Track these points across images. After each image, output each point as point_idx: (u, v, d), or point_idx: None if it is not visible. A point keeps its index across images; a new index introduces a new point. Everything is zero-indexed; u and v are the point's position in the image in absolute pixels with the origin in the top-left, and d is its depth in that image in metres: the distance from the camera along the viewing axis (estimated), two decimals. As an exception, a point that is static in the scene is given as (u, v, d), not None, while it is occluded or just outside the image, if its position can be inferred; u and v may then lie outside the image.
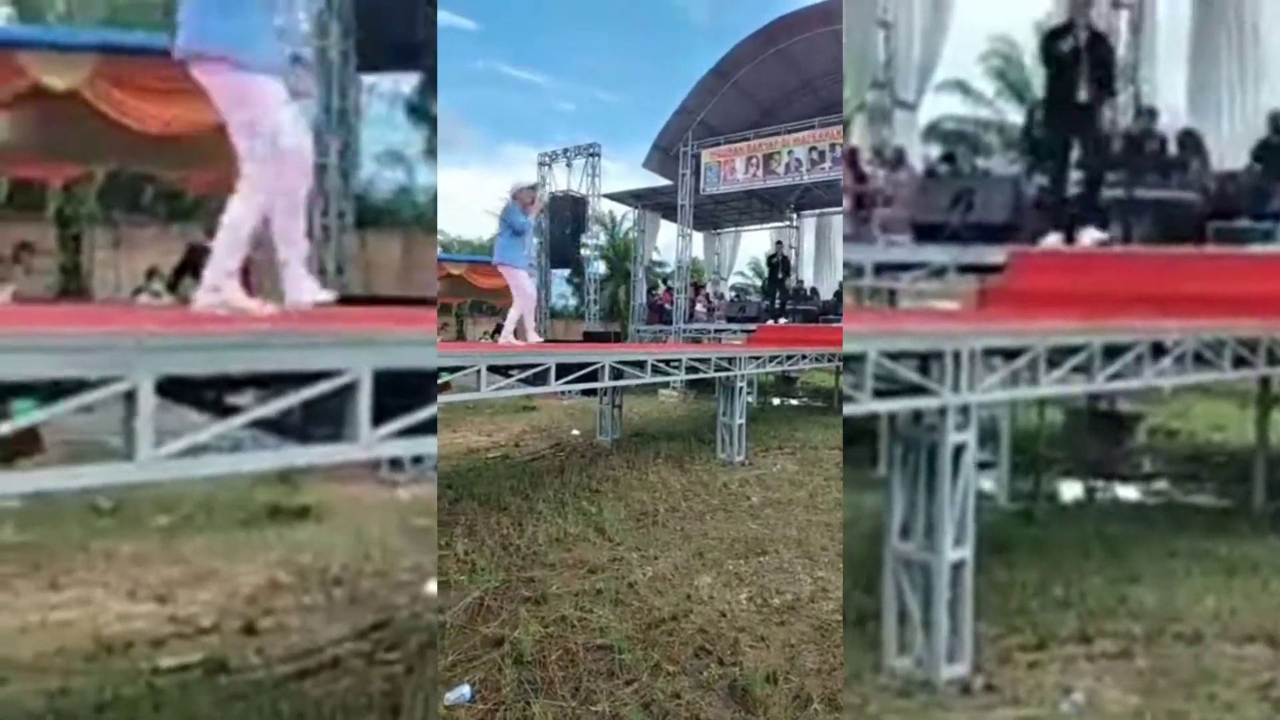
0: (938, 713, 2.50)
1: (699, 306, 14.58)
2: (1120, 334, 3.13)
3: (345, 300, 3.23)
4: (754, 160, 12.97)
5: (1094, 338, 3.02)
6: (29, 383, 1.43)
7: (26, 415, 1.53)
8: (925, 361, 2.59)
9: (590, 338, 12.15)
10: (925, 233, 6.00)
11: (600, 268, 18.42)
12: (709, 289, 16.09)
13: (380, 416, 1.82)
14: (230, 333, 1.76)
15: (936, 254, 5.75)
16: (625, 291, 19.83)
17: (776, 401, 13.63)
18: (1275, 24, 6.39)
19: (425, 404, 1.91)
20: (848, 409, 2.49)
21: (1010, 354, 2.80)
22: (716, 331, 13.83)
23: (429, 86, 9.32)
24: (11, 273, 6.67)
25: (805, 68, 12.85)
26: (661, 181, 14.86)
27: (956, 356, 2.58)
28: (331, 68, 7.87)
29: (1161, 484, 5.53)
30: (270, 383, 1.74)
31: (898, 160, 6.71)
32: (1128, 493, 5.35)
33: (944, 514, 2.58)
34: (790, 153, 12.46)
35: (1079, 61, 5.77)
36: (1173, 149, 5.96)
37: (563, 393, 5.70)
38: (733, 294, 15.73)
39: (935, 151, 7.49)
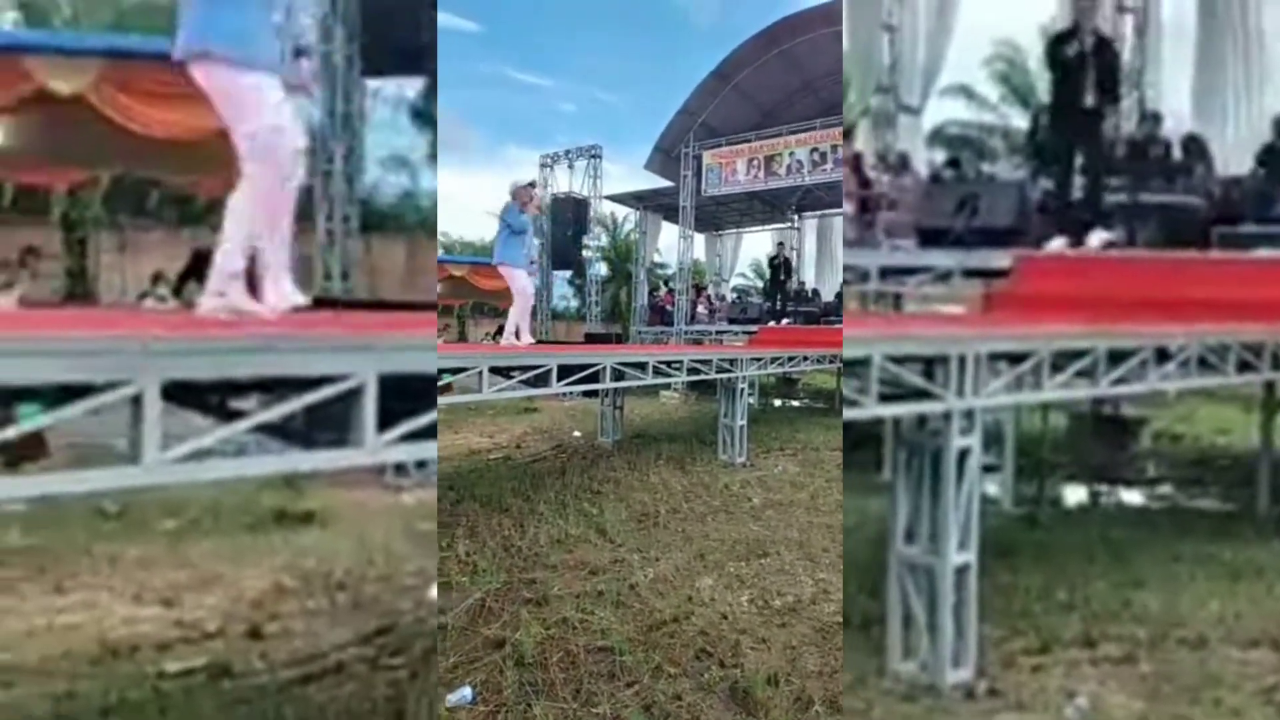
0: (942, 717, 2.49)
1: (700, 308, 14.58)
2: (1125, 338, 3.13)
3: (350, 305, 3.23)
4: (755, 162, 12.97)
5: (1099, 342, 3.02)
6: (35, 387, 1.43)
7: (32, 419, 1.53)
8: (930, 366, 2.59)
9: (592, 339, 12.17)
10: (930, 237, 5.99)
11: (602, 269, 18.44)
12: (710, 290, 16.07)
13: (383, 421, 1.82)
14: (235, 337, 1.76)
15: (941, 258, 5.74)
16: (627, 293, 19.82)
17: (778, 403, 13.63)
18: (1280, 28, 6.38)
19: (428, 408, 1.92)
20: (852, 413, 2.49)
21: (1015, 358, 2.80)
22: (718, 333, 13.81)
23: (430, 90, 9.35)
24: (17, 277, 6.69)
25: (807, 69, 12.83)
26: (663, 183, 14.86)
27: (961, 361, 2.58)
28: (336, 72, 7.91)
29: (1166, 488, 5.52)
30: (275, 387, 1.74)
31: (902, 165, 6.70)
32: (1132, 497, 5.34)
33: (948, 518, 2.58)
34: (792, 154, 12.45)
35: (1084, 66, 5.77)
36: (1177, 154, 5.94)
37: (564, 394, 5.70)
38: (734, 295, 15.67)
39: (940, 156, 7.50)
